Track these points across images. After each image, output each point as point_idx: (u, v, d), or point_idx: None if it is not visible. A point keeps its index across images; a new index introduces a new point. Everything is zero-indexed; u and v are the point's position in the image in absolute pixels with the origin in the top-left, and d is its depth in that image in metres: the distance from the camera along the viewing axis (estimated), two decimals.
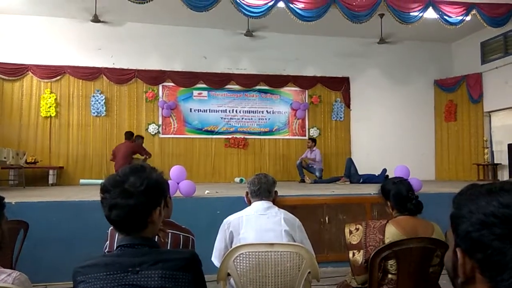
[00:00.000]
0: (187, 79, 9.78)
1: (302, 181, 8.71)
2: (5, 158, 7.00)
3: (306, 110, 10.34)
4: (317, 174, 8.83)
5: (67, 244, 4.18)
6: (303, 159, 9.02)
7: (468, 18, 7.78)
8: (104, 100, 9.37)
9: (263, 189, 2.55)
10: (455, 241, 0.82)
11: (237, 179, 9.22)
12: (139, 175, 1.32)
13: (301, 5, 7.17)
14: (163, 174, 1.44)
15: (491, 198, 0.77)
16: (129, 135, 8.26)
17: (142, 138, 8.58)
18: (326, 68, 10.40)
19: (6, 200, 1.60)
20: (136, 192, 1.28)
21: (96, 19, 8.61)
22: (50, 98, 9.08)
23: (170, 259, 1.28)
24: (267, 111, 10.24)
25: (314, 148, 9.08)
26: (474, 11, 7.68)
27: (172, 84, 9.78)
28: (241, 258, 2.11)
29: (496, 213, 0.74)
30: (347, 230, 2.32)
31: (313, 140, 9.22)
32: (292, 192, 5.53)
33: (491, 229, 0.74)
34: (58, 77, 9.19)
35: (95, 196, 4.25)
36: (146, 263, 1.25)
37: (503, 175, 9.43)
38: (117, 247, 1.33)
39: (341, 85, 10.50)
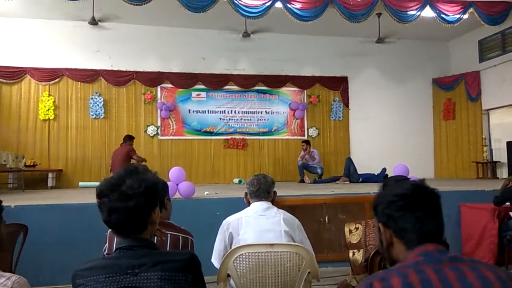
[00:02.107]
0: (185, 80, 9.78)
1: (302, 181, 8.71)
2: (4, 161, 6.99)
3: (305, 110, 10.34)
4: (319, 171, 8.82)
5: (67, 247, 4.17)
6: (303, 157, 9.03)
7: (466, 16, 7.79)
8: (102, 102, 9.36)
9: (262, 190, 2.54)
10: (377, 221, 1.21)
11: (236, 180, 9.21)
12: (135, 177, 1.31)
13: (298, 5, 7.18)
14: (157, 174, 1.44)
15: (394, 187, 1.21)
16: (126, 138, 8.10)
17: (131, 138, 8.12)
18: (324, 68, 10.40)
19: (5, 204, 1.60)
20: (135, 194, 1.28)
21: (93, 21, 8.60)
22: (48, 101, 9.07)
23: (169, 260, 1.28)
24: (265, 111, 10.24)
25: (312, 150, 9.07)
26: (471, 9, 7.69)
27: (171, 85, 9.77)
28: (241, 259, 2.11)
29: (396, 193, 1.17)
30: (347, 230, 2.32)
31: (307, 142, 9.15)
32: (292, 192, 5.53)
33: (395, 204, 1.15)
34: (56, 80, 9.18)
35: (94, 198, 4.24)
36: (145, 265, 1.25)
37: (502, 173, 9.44)
38: (116, 249, 1.32)
39: (339, 84, 10.51)
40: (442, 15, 7.66)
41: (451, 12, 7.67)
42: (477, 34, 10.01)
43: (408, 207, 1.13)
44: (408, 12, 7.56)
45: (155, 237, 1.67)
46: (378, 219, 1.20)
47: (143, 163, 7.89)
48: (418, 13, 7.57)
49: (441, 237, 1.14)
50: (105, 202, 1.28)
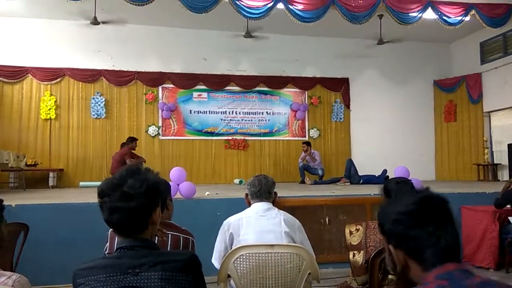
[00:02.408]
0: (186, 81, 9.79)
1: (303, 182, 8.71)
2: (6, 160, 7.00)
3: (306, 111, 10.34)
4: (320, 172, 8.82)
5: (67, 246, 4.17)
6: (304, 159, 9.03)
7: (467, 18, 7.79)
8: (104, 102, 9.37)
9: (264, 190, 2.54)
10: (386, 241, 1.09)
11: (236, 181, 9.21)
12: (137, 177, 1.31)
13: (300, 6, 7.18)
14: (159, 174, 1.44)
15: (397, 202, 1.07)
16: (127, 139, 8.08)
17: (132, 140, 8.04)
18: (325, 69, 10.41)
19: (6, 203, 1.60)
20: (136, 194, 1.28)
21: (95, 21, 8.61)
22: (50, 100, 9.09)
23: (169, 260, 1.28)
24: (267, 112, 10.24)
25: (312, 151, 9.06)
26: (473, 12, 7.69)
27: (172, 85, 9.78)
28: (241, 260, 2.11)
29: (402, 211, 1.04)
30: (347, 231, 2.32)
31: (308, 143, 9.16)
32: (293, 193, 5.52)
33: (403, 223, 1.03)
34: (58, 80, 9.20)
35: (95, 198, 4.25)
36: (145, 265, 1.25)
37: (503, 175, 9.43)
38: (116, 249, 1.33)
39: (340, 86, 10.51)
40: (444, 17, 7.66)
41: (453, 14, 7.67)
42: (478, 36, 10.01)
43: (416, 224, 1.01)
44: (410, 14, 7.56)
45: (156, 237, 1.67)
46: (386, 240, 1.08)
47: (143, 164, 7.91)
48: (420, 15, 7.58)
49: (459, 251, 1.03)
50: (107, 202, 1.29)
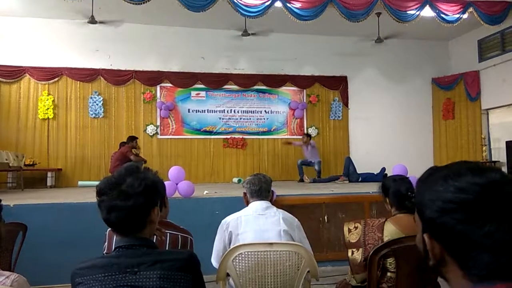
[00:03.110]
0: (185, 80, 9.77)
1: (301, 180, 8.71)
2: (6, 160, 7.00)
3: (304, 110, 10.34)
4: (316, 167, 8.76)
5: (66, 246, 4.17)
6: (300, 146, 9.05)
7: (465, 16, 7.79)
8: (102, 102, 9.36)
9: (264, 189, 2.55)
10: (422, 226, 0.84)
11: (235, 179, 9.21)
12: (135, 176, 1.31)
13: (298, 4, 7.18)
14: (158, 174, 1.44)
15: (448, 184, 0.79)
16: (127, 139, 8.06)
17: (132, 139, 7.99)
18: (324, 67, 10.40)
19: (4, 203, 1.60)
20: (135, 193, 1.28)
21: (93, 20, 8.58)
22: (47, 100, 9.06)
23: (168, 259, 1.28)
24: (265, 111, 10.24)
25: (310, 141, 9.04)
26: (471, 9, 7.70)
27: (170, 84, 9.77)
28: (240, 258, 2.11)
29: (453, 199, 0.76)
30: (346, 229, 2.32)
31: (308, 135, 9.19)
32: (291, 192, 5.53)
33: (451, 215, 0.76)
34: (56, 79, 9.18)
35: (94, 197, 4.24)
36: (144, 264, 1.25)
37: None
38: (115, 248, 1.32)
39: (339, 84, 10.51)
40: (442, 15, 7.67)
41: (451, 12, 7.68)
42: (476, 33, 10.01)
43: (472, 220, 0.74)
44: (408, 12, 7.56)
45: (155, 236, 1.67)
46: (423, 227, 0.84)
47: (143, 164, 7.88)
48: (418, 13, 7.58)
49: None
50: (105, 200, 1.28)
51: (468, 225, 0.74)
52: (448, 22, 7.75)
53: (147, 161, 8.24)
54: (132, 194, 1.28)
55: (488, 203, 0.74)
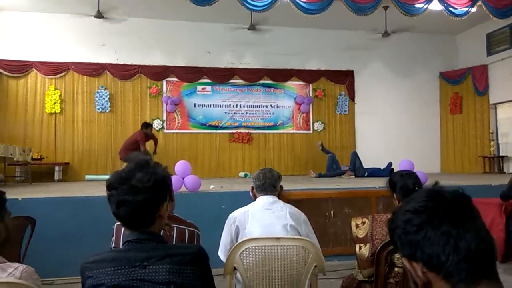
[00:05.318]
0: (190, 74, 9.77)
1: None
2: (11, 154, 7.05)
3: (310, 104, 10.31)
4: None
5: (74, 239, 4.20)
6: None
7: (474, 9, 7.70)
8: (108, 96, 9.39)
9: (268, 184, 2.54)
10: (401, 256, 0.91)
11: (241, 174, 9.22)
12: (145, 171, 1.31)
13: None
14: (167, 169, 1.44)
15: (405, 204, 0.91)
16: (142, 125, 7.99)
17: (146, 126, 7.91)
18: (330, 61, 10.35)
19: (13, 196, 1.61)
20: (144, 188, 1.28)
21: (99, 15, 8.60)
22: (54, 94, 9.11)
23: (177, 253, 1.29)
24: (271, 105, 10.22)
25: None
26: (479, 2, 7.60)
27: (176, 79, 9.77)
28: (247, 252, 2.12)
29: (409, 209, 0.88)
30: (353, 224, 2.31)
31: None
32: (297, 186, 5.53)
33: (411, 222, 0.86)
34: (62, 74, 9.22)
35: (101, 191, 4.26)
36: (153, 258, 1.25)
37: (509, 167, 9.38)
38: (124, 243, 1.33)
39: (345, 78, 10.45)
40: (450, 8, 7.58)
41: (459, 5, 7.59)
42: (485, 27, 9.90)
43: (428, 223, 0.84)
44: (416, 5, 7.49)
45: (162, 231, 1.67)
46: (401, 253, 0.91)
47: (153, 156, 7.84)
48: (426, 6, 7.50)
49: (492, 255, 0.82)
50: (114, 195, 1.29)
51: (427, 229, 0.83)
52: (457, 15, 7.66)
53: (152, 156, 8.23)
54: (142, 189, 1.28)
55: (436, 207, 0.85)
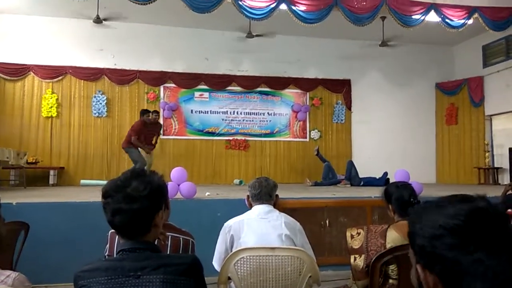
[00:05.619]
0: (188, 80, 9.79)
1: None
2: (7, 158, 7.01)
3: (307, 112, 10.34)
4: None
5: (68, 245, 4.17)
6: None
7: (470, 21, 7.79)
8: (105, 101, 9.38)
9: (264, 193, 2.54)
10: (415, 258, 0.84)
11: (236, 181, 9.21)
12: (141, 179, 1.31)
13: (303, 7, 7.19)
14: (163, 177, 1.44)
15: (438, 211, 0.81)
16: (140, 113, 7.72)
17: (143, 113, 7.59)
18: (327, 70, 10.40)
19: (7, 201, 1.61)
20: (140, 197, 1.28)
21: (98, 20, 8.61)
22: (51, 98, 9.09)
23: (171, 263, 1.28)
24: (268, 113, 10.24)
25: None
26: (476, 15, 7.70)
27: (174, 85, 9.78)
28: (241, 262, 2.11)
29: (443, 224, 0.77)
30: (348, 234, 2.31)
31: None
32: (293, 195, 5.52)
33: (442, 240, 0.77)
34: (60, 78, 9.21)
35: (96, 197, 4.24)
36: (147, 268, 1.24)
37: (504, 179, 9.41)
38: (118, 251, 1.32)
39: (342, 87, 10.50)
40: (447, 20, 7.66)
41: (456, 17, 7.67)
42: (481, 39, 10.00)
43: (462, 245, 0.75)
44: (413, 16, 7.56)
45: (157, 240, 1.66)
46: (416, 257, 0.84)
47: (147, 150, 7.58)
48: (423, 18, 7.58)
49: None
50: (110, 203, 1.29)
51: (458, 251, 0.75)
52: (453, 27, 7.74)
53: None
54: (137, 197, 1.28)
55: (476, 229, 0.75)
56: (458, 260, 0.74)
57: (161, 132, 8.23)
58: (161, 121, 9.64)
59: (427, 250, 0.79)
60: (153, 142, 7.93)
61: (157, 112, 8.09)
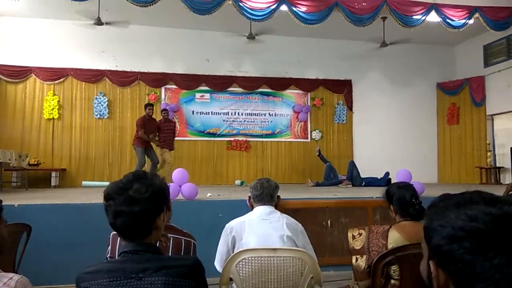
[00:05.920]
0: (189, 82, 9.80)
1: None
2: (9, 160, 7.03)
3: (308, 113, 10.34)
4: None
5: (70, 247, 4.17)
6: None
7: (471, 21, 7.78)
8: (107, 103, 9.40)
9: (265, 194, 2.54)
10: (428, 253, 0.82)
11: (237, 182, 9.21)
12: (143, 182, 1.32)
13: (304, 8, 7.18)
14: (165, 180, 1.44)
15: (460, 211, 0.77)
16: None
17: (145, 108, 7.78)
18: (328, 70, 10.40)
19: (9, 203, 1.61)
20: (141, 199, 1.28)
21: (99, 22, 8.62)
22: (53, 100, 9.11)
23: (173, 265, 1.28)
24: (269, 113, 10.25)
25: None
26: (477, 15, 7.68)
27: (175, 86, 9.80)
28: (243, 263, 2.11)
29: (464, 226, 0.74)
30: (350, 235, 2.31)
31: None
32: (295, 195, 5.52)
33: (461, 243, 0.74)
34: (61, 80, 9.23)
35: (98, 198, 4.24)
36: (149, 270, 1.25)
37: (506, 178, 9.40)
38: (120, 253, 1.33)
39: (343, 88, 10.50)
40: (448, 20, 7.65)
41: (457, 17, 7.66)
42: (482, 39, 9.99)
43: (481, 250, 0.72)
44: (414, 17, 7.55)
45: (158, 242, 1.67)
46: (429, 253, 0.82)
47: (156, 143, 7.78)
48: (424, 18, 7.57)
49: None
50: (112, 205, 1.29)
51: (476, 256, 0.72)
52: (454, 27, 7.73)
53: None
54: (139, 199, 1.28)
55: (500, 235, 0.72)
56: (474, 264, 0.72)
57: (159, 130, 8.11)
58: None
59: (443, 250, 0.76)
60: (150, 137, 7.77)
61: (151, 105, 7.93)
